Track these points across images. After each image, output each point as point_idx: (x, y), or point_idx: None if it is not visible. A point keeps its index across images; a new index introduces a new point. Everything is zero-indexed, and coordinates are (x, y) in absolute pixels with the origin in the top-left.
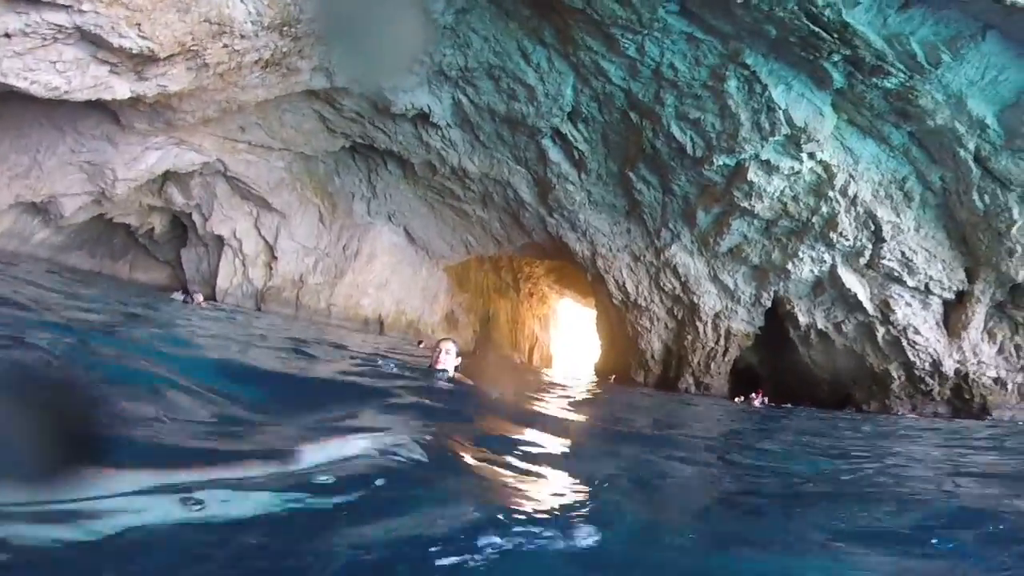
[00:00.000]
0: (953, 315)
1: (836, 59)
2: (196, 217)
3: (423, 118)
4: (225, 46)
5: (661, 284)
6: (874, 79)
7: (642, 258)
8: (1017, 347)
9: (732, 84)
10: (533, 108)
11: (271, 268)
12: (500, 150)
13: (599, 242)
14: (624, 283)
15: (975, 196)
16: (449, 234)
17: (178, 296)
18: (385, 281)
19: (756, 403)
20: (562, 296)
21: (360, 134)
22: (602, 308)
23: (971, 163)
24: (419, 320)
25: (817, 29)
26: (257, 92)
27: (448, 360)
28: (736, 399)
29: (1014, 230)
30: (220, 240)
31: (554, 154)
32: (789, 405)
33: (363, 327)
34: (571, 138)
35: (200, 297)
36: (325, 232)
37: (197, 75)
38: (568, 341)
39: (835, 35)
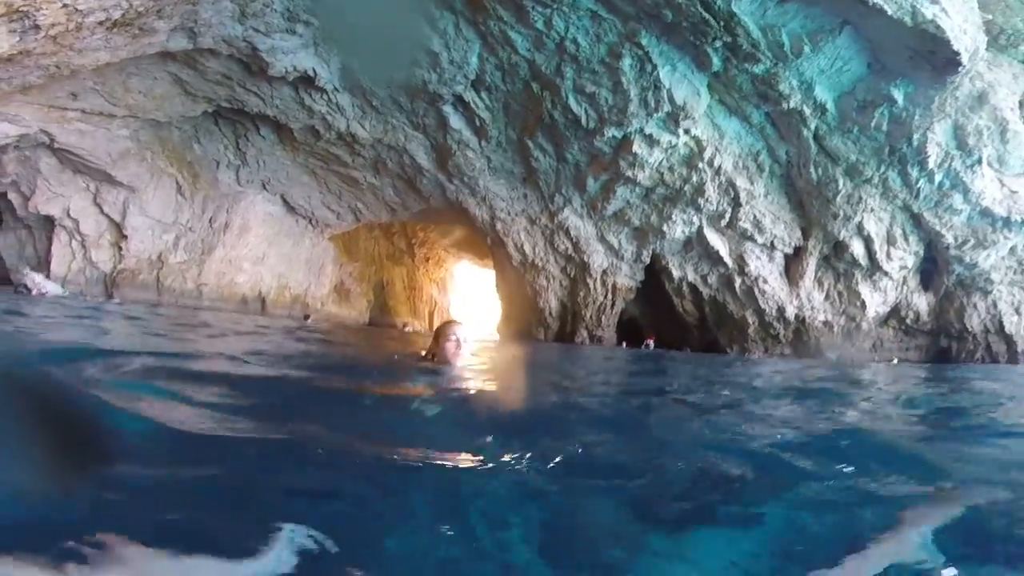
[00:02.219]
0: (792, 267)
1: (718, 45)
2: (13, 196)
3: (306, 81)
4: (65, 6)
5: (555, 245)
6: (746, 64)
7: (538, 221)
8: (839, 293)
9: (627, 62)
10: (436, 75)
11: (120, 249)
12: (396, 116)
13: (498, 207)
14: (522, 245)
15: (811, 169)
16: (335, 202)
17: (32, 281)
18: (262, 255)
19: (649, 348)
20: (459, 259)
21: (227, 97)
22: (501, 270)
23: (811, 141)
24: (305, 294)
25: (708, 16)
26: (98, 55)
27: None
28: (622, 344)
29: (838, 198)
30: (49, 221)
31: (455, 121)
32: (675, 351)
33: (241, 307)
34: (474, 105)
35: (47, 286)
36: (186, 204)
37: (22, 39)
38: (468, 303)
39: (722, 23)
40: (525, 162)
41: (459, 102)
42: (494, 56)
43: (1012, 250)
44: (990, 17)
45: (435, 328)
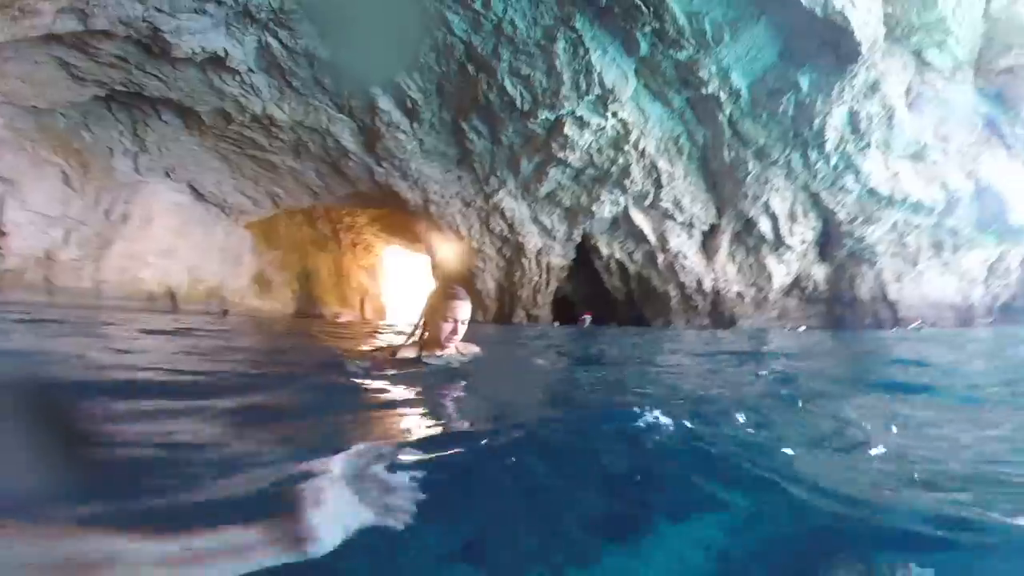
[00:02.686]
0: (708, 243)
1: (647, 30)
2: None
3: (216, 62)
4: None
5: (491, 227)
6: (671, 50)
7: (473, 203)
8: (750, 266)
9: (561, 45)
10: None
11: (0, 248)
12: (318, 97)
13: (431, 189)
14: (457, 227)
15: (725, 152)
16: (251, 187)
17: None
18: (170, 247)
19: (586, 324)
20: (389, 244)
21: (122, 81)
22: (435, 254)
23: (725, 125)
24: (221, 286)
25: (639, 2)
26: None
27: (462, 329)
28: (555, 323)
29: (748, 179)
30: None
31: (384, 103)
32: (586, 319)
33: (149, 304)
34: (405, 87)
35: None
36: (75, 197)
37: None
38: (401, 289)
39: (651, 8)
40: (460, 144)
41: (389, 83)
42: (429, 37)
43: (894, 225)
44: (890, 10)
45: (428, 298)
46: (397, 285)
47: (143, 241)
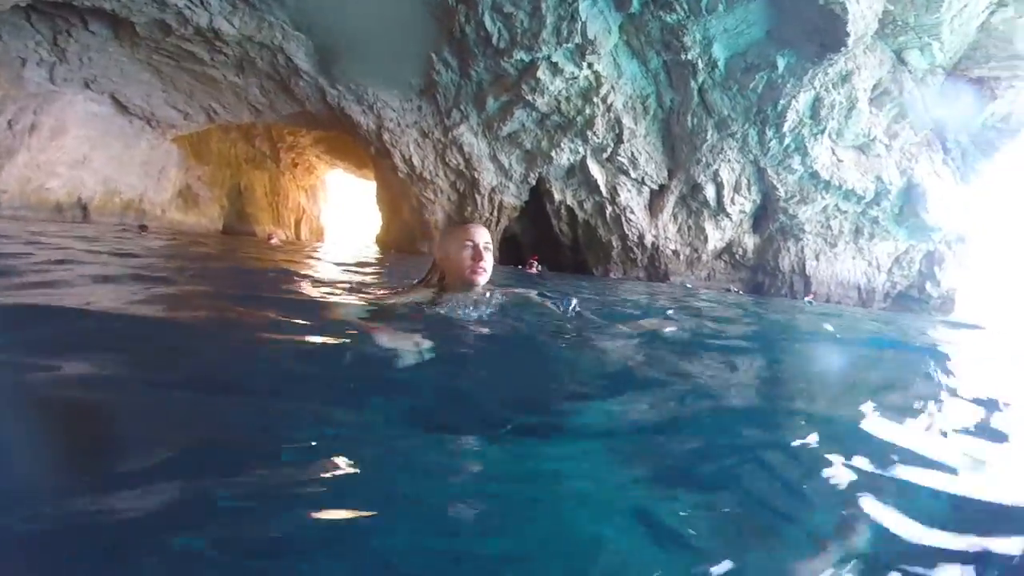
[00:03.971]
0: (655, 202)
1: None
2: None
3: None
4: None
5: (447, 160)
6: (661, 12)
7: (430, 135)
8: (689, 227)
9: None
10: None
11: None
12: (275, 12)
13: (387, 116)
14: (411, 157)
15: (688, 117)
16: (183, 101)
17: None
18: (83, 157)
19: (534, 270)
20: (333, 167)
21: None
22: (384, 181)
23: (695, 92)
24: (141, 199)
25: None
26: None
27: (489, 257)
28: (517, 266)
29: (704, 147)
30: None
31: (350, 24)
32: (541, 267)
33: (55, 215)
34: (375, 8)
35: None
36: None
37: None
38: (341, 213)
39: None
40: (425, 75)
41: (360, 3)
42: None
43: (824, 208)
44: (891, 7)
45: (441, 234)
46: (338, 208)
47: (51, 152)
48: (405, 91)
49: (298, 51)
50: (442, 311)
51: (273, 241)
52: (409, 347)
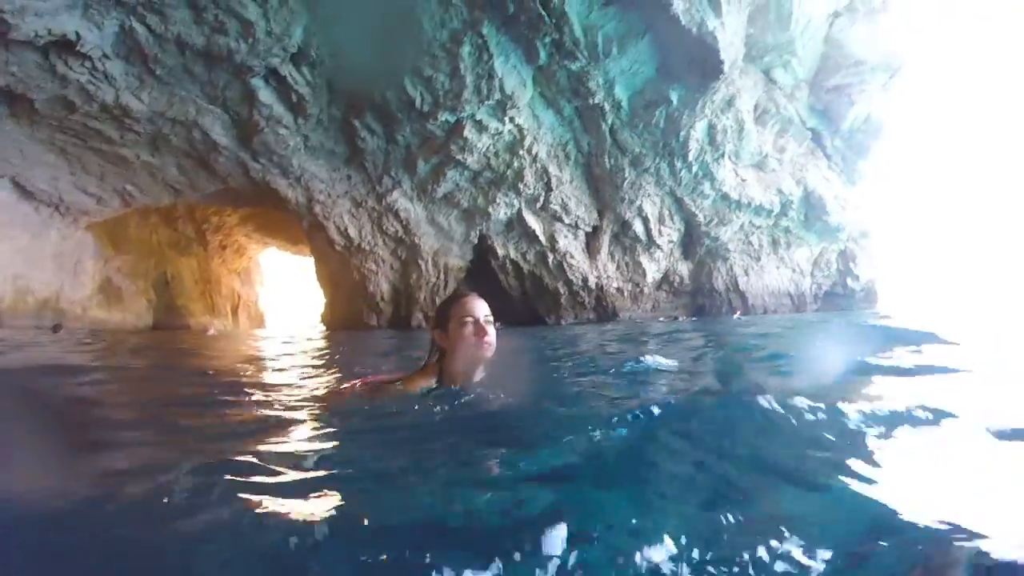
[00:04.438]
0: (591, 243)
1: (547, 40)
2: None
3: (61, 46)
4: None
5: (384, 228)
6: (565, 61)
7: (364, 204)
8: (626, 264)
9: (467, 49)
10: (247, 45)
11: None
12: (186, 86)
13: (316, 188)
14: (347, 228)
15: (606, 159)
16: (94, 184)
17: None
18: None
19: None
20: (265, 246)
21: None
22: (321, 255)
23: (607, 134)
24: (57, 297)
25: (544, 13)
26: None
27: (492, 331)
28: None
29: (625, 184)
30: None
31: (265, 95)
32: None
33: None
34: (291, 80)
35: None
36: None
37: None
38: (279, 295)
39: (554, 20)
40: (350, 142)
41: (272, 75)
42: (323, 31)
43: (741, 226)
44: (751, 31)
45: (436, 313)
46: (276, 290)
47: None
48: (331, 160)
49: (213, 125)
50: (448, 392)
51: (210, 332)
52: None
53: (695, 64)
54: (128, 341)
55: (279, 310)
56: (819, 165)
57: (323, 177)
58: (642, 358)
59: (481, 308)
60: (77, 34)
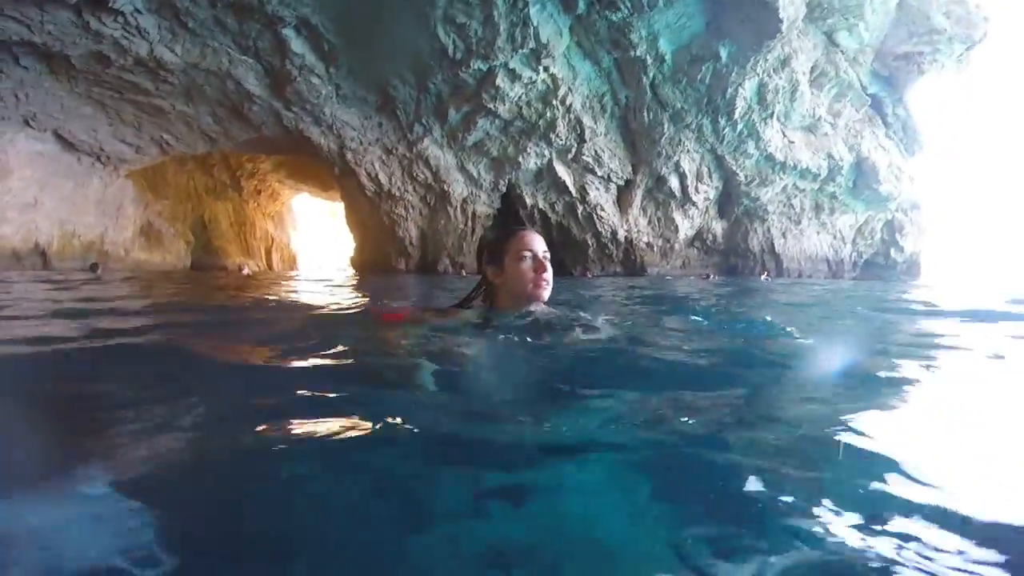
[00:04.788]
0: (623, 197)
1: None
2: None
3: (94, 4)
4: None
5: (414, 175)
6: (607, 11)
7: (395, 151)
8: (659, 219)
9: None
10: None
11: None
12: (218, 38)
13: (348, 136)
14: (377, 175)
15: (644, 113)
16: (132, 134)
17: None
18: (33, 200)
19: None
20: (297, 191)
21: None
22: (352, 201)
23: (647, 88)
24: (102, 240)
25: None
26: None
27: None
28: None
29: (663, 140)
30: None
31: (297, 45)
32: None
33: (13, 263)
34: (322, 29)
35: None
36: None
37: None
38: (311, 237)
39: None
40: (381, 91)
41: (304, 25)
42: None
43: (784, 188)
44: None
45: (483, 249)
46: (307, 233)
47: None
48: (363, 108)
49: (247, 75)
50: (493, 331)
51: (244, 272)
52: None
53: (749, 22)
54: (168, 284)
55: (310, 253)
56: (876, 133)
57: (355, 125)
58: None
59: (540, 243)
60: None
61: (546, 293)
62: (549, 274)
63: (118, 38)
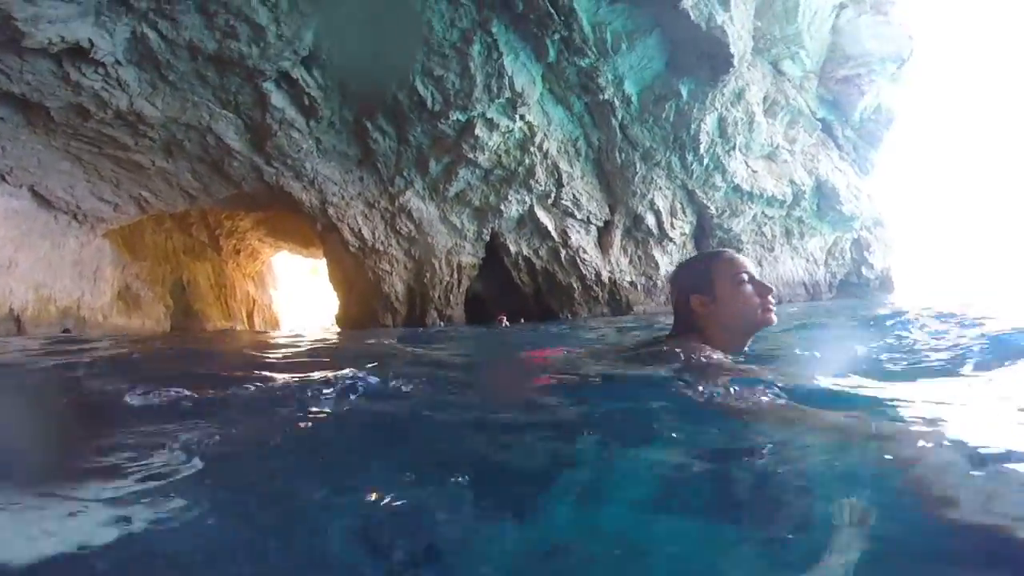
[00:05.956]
0: (604, 238)
1: (556, 37)
2: None
3: (75, 53)
4: None
5: (397, 228)
6: (575, 57)
7: (377, 204)
8: (639, 257)
9: (476, 48)
10: (258, 50)
11: None
12: (199, 92)
13: (329, 190)
14: (360, 230)
15: (616, 153)
16: (110, 191)
17: None
18: (8, 261)
19: (504, 324)
20: (277, 249)
21: None
22: (335, 257)
23: (617, 129)
24: (78, 306)
25: (552, 10)
26: None
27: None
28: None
29: (636, 178)
30: None
31: (278, 99)
32: (522, 320)
33: None
34: (303, 83)
35: None
36: None
37: None
38: (292, 297)
39: (563, 17)
40: (362, 143)
41: (284, 79)
42: (334, 33)
43: (754, 217)
44: (759, 24)
45: (688, 273)
46: (289, 293)
47: None
48: (344, 162)
49: (227, 130)
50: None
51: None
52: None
53: (704, 58)
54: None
55: (293, 312)
56: (831, 155)
57: (336, 179)
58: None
59: (753, 264)
60: (90, 41)
61: (775, 320)
62: (775, 297)
63: (98, 90)
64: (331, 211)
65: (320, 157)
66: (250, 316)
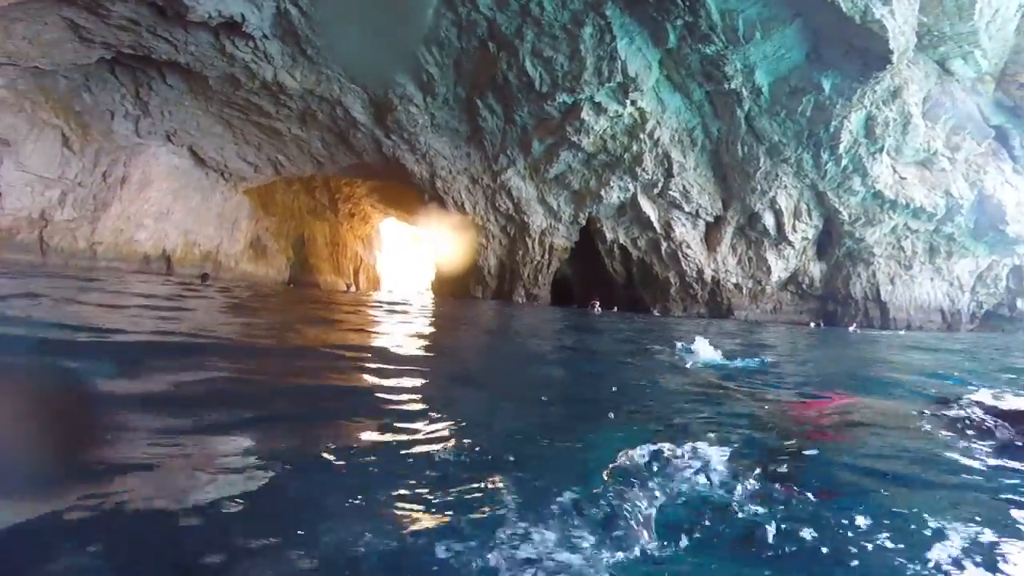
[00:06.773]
0: (711, 234)
1: (678, 23)
2: None
3: (230, 27)
4: None
5: (497, 204)
6: (699, 45)
7: (480, 180)
8: (749, 259)
9: (588, 31)
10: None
11: None
12: (332, 67)
13: (439, 164)
14: (463, 203)
15: (738, 146)
16: (252, 154)
17: None
18: (167, 210)
19: (596, 310)
20: (386, 215)
21: (131, 44)
22: (437, 227)
23: (742, 120)
24: (217, 251)
25: None
26: None
27: None
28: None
29: (758, 174)
30: None
31: (400, 75)
32: (615, 309)
33: (143, 266)
34: (422, 60)
35: None
36: (74, 159)
37: None
38: (394, 261)
39: (687, 3)
40: (471, 121)
41: (407, 55)
42: (452, 12)
43: (893, 228)
44: (924, 19)
45: None
46: (391, 256)
47: (140, 203)
48: (454, 138)
49: (354, 103)
50: None
51: (352, 290)
52: None
53: (855, 53)
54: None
55: (393, 275)
56: (1002, 167)
57: (446, 154)
58: None
59: None
60: (242, 15)
61: None
62: None
63: (248, 62)
64: (439, 183)
65: (433, 132)
66: (356, 273)
